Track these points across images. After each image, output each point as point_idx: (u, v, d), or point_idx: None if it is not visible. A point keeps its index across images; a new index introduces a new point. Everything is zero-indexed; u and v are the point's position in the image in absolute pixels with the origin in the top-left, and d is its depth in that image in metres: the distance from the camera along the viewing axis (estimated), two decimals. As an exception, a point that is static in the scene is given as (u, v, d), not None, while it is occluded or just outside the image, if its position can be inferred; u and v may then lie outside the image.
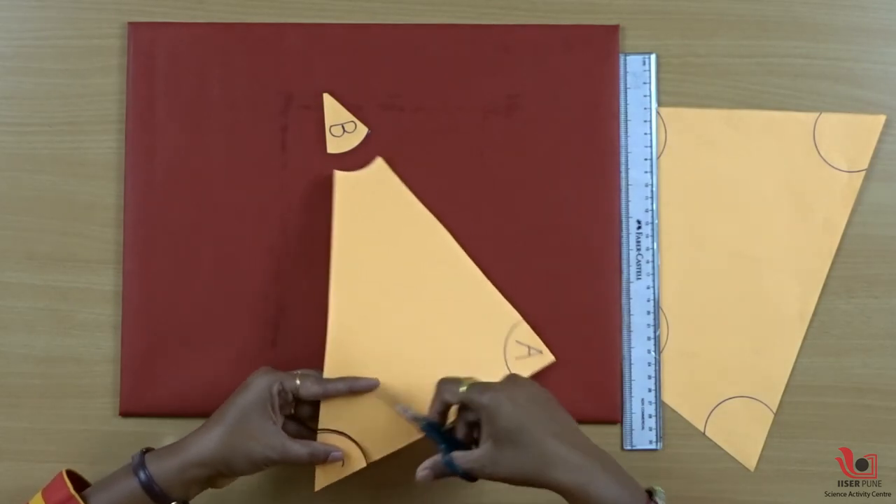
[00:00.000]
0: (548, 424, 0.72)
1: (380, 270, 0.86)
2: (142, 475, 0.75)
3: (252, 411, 0.77)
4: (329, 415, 0.81)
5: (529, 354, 0.86)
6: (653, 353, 0.89)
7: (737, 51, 0.91)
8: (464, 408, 0.75)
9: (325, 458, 0.79)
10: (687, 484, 0.88)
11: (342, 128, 0.89)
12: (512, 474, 0.72)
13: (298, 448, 0.78)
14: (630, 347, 0.89)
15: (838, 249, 0.89)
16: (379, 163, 0.87)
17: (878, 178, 0.90)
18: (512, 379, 0.75)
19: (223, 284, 0.88)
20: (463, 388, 0.74)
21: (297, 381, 0.79)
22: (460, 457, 0.73)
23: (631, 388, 0.88)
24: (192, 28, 0.90)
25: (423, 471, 0.75)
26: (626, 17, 0.91)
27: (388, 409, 0.82)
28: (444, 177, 0.88)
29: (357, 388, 0.81)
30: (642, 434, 0.88)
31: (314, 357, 0.86)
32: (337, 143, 0.89)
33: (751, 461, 0.88)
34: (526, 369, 0.85)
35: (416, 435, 0.80)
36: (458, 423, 0.76)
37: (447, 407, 0.76)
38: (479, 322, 0.86)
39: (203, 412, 0.87)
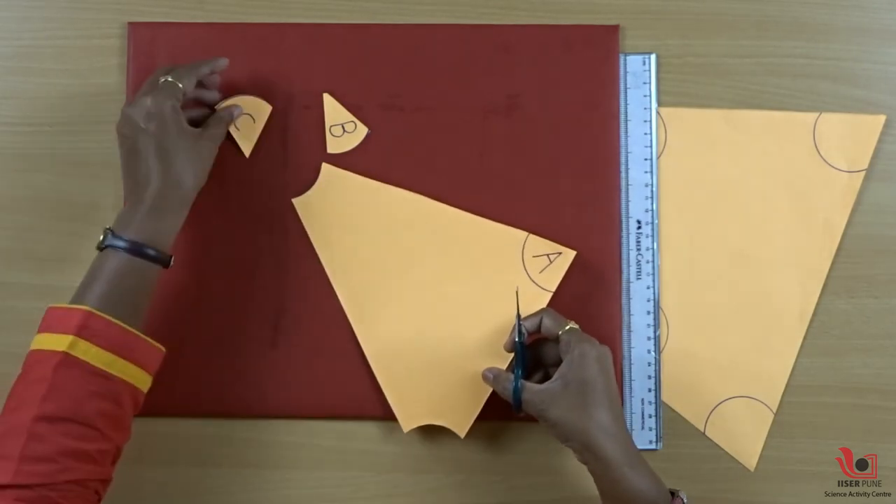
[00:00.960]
0: (612, 397, 0.77)
1: (376, 262, 0.86)
2: (120, 243, 0.75)
3: (183, 132, 0.80)
4: (408, 417, 0.85)
5: (551, 261, 0.86)
6: (653, 353, 0.89)
7: (737, 51, 0.91)
8: (543, 343, 0.81)
9: (231, 114, 0.85)
10: (687, 484, 0.88)
11: (342, 128, 0.89)
12: (562, 420, 0.75)
13: (216, 131, 0.84)
14: (630, 347, 0.89)
15: (838, 249, 0.89)
16: (325, 169, 0.88)
17: (878, 178, 0.90)
18: (591, 339, 0.79)
19: (223, 284, 0.88)
20: (567, 328, 0.79)
21: (178, 84, 0.81)
22: (529, 386, 0.77)
23: (631, 388, 0.88)
24: (192, 28, 0.90)
25: (488, 372, 0.81)
26: (626, 17, 0.91)
27: (449, 382, 0.84)
28: (444, 177, 0.88)
29: (216, 67, 0.85)
30: (642, 434, 0.88)
31: (314, 357, 0.86)
32: (337, 143, 0.89)
33: (751, 461, 0.88)
34: (555, 275, 0.86)
35: (487, 392, 0.83)
36: (531, 355, 0.81)
37: (537, 329, 0.80)
38: (489, 256, 0.87)
39: (203, 412, 0.87)
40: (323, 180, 0.88)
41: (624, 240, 0.89)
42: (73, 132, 0.90)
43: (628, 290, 0.89)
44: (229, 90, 0.88)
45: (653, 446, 0.88)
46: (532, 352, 0.82)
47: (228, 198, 0.88)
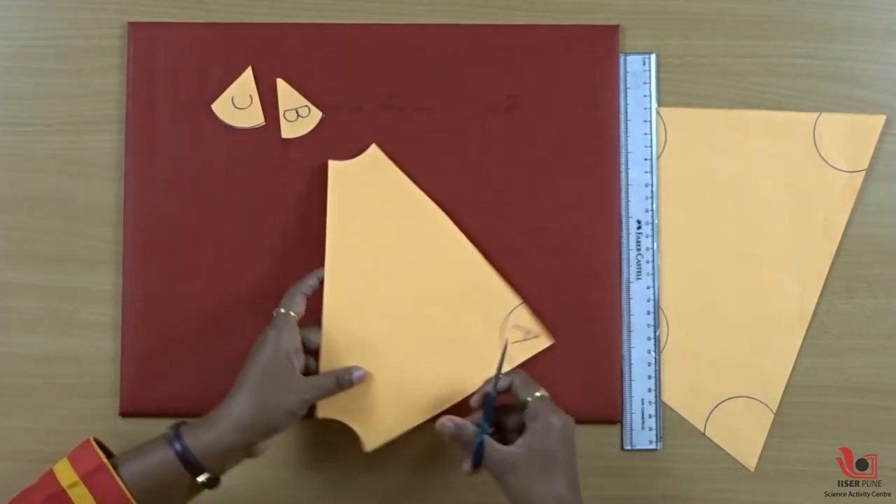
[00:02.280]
0: (571, 469, 0.76)
1: (376, 256, 0.86)
2: (177, 445, 0.75)
3: (276, 365, 0.77)
4: (327, 403, 0.82)
5: (526, 338, 0.86)
6: (653, 353, 0.89)
7: (737, 51, 0.91)
8: (507, 410, 0.79)
9: (350, 381, 0.81)
10: (687, 484, 0.88)
11: (296, 112, 0.89)
12: (519, 488, 0.75)
13: (324, 380, 0.80)
14: (630, 347, 0.89)
15: (838, 249, 0.90)
16: (373, 150, 0.88)
17: (878, 178, 0.90)
18: (558, 409, 0.77)
19: (223, 284, 0.88)
20: (538, 394, 0.77)
21: (291, 313, 0.80)
22: (492, 445, 0.76)
23: (631, 388, 0.88)
24: (192, 28, 0.90)
25: (449, 422, 0.78)
26: (626, 17, 0.91)
27: (386, 396, 0.83)
28: (444, 177, 0.88)
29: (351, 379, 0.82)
30: (642, 434, 0.88)
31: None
32: (291, 128, 0.89)
33: (751, 461, 0.88)
34: (524, 353, 0.86)
35: (415, 422, 0.82)
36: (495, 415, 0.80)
37: (506, 390, 0.79)
38: (476, 305, 0.86)
39: (203, 412, 0.87)
40: (367, 158, 0.87)
41: (624, 240, 0.89)
42: (73, 132, 0.90)
43: (628, 290, 0.89)
44: (227, 88, 0.89)
45: (653, 446, 0.88)
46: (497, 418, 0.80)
47: (228, 197, 0.88)
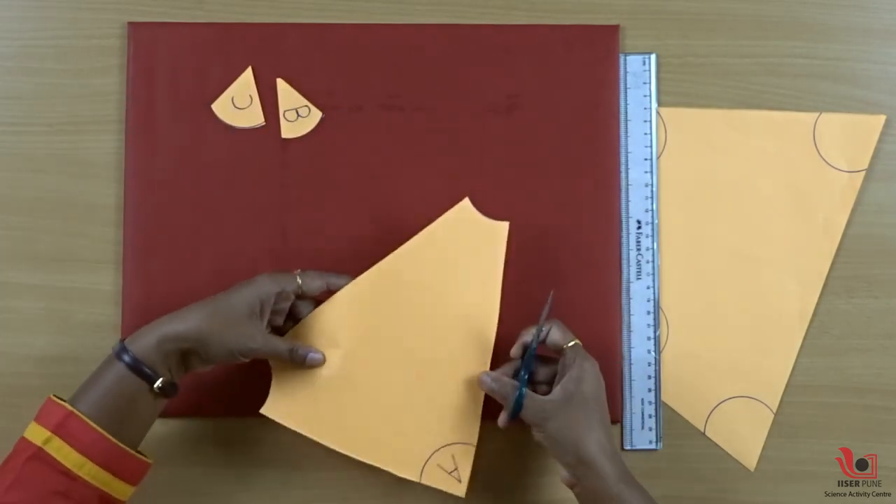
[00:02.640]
0: (606, 416, 0.78)
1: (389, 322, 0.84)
2: (126, 357, 0.74)
3: (241, 305, 0.77)
4: (406, 461, 0.82)
5: (450, 473, 0.83)
6: (653, 353, 0.89)
7: (737, 51, 0.91)
8: (550, 361, 0.81)
9: (303, 359, 0.80)
10: (687, 484, 0.88)
11: (296, 112, 0.89)
12: (561, 433, 0.76)
13: (279, 343, 0.79)
14: (630, 347, 0.89)
15: (838, 249, 0.90)
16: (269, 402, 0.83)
17: (878, 178, 0.90)
18: (592, 359, 0.79)
19: (223, 285, 0.87)
20: (570, 343, 0.79)
21: (299, 280, 0.80)
22: (531, 395, 0.77)
23: (631, 388, 0.88)
24: (192, 28, 0.90)
25: (487, 377, 0.79)
26: (626, 17, 0.91)
27: (443, 398, 0.82)
28: (444, 177, 0.88)
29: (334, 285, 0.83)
30: (642, 434, 0.88)
31: (314, 357, 0.86)
32: (291, 128, 0.89)
33: (751, 461, 0.88)
34: (437, 481, 0.82)
35: (482, 393, 0.81)
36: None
37: (542, 340, 0.80)
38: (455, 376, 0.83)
39: (203, 412, 0.87)
40: (276, 373, 0.82)
41: (624, 240, 0.89)
42: (73, 132, 0.90)
43: (628, 290, 0.89)
44: (227, 88, 0.89)
45: (653, 446, 0.88)
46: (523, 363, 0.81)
47: (228, 197, 0.88)
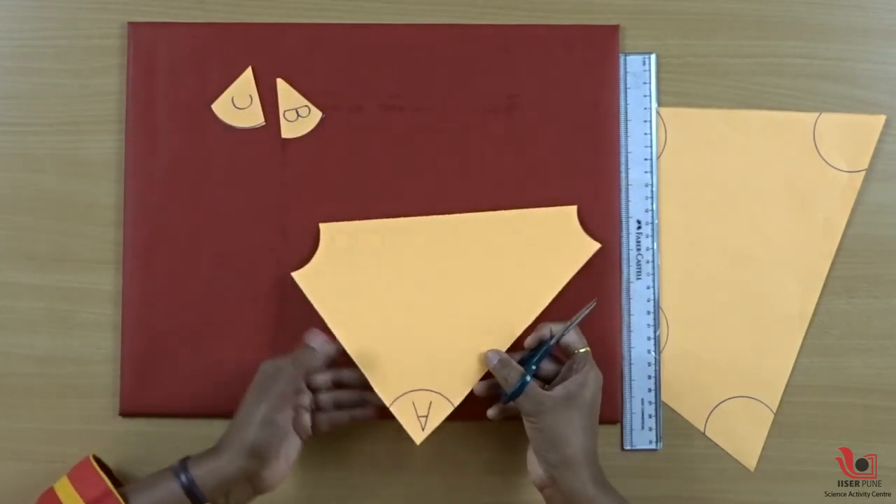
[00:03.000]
0: (596, 426, 0.79)
1: (389, 304, 0.85)
2: (183, 478, 0.75)
3: (266, 386, 0.78)
4: (388, 383, 0.83)
5: (419, 417, 0.83)
6: (653, 353, 0.89)
7: (737, 51, 0.91)
8: (556, 359, 0.82)
9: (347, 419, 0.82)
10: (687, 484, 0.88)
11: (296, 112, 0.89)
12: (553, 429, 0.77)
13: (303, 426, 0.79)
14: (630, 347, 0.89)
15: (838, 249, 0.90)
16: (325, 229, 0.87)
17: (878, 178, 0.90)
18: (595, 366, 0.80)
19: (223, 284, 0.88)
20: (583, 350, 0.81)
21: (317, 351, 0.81)
22: (533, 385, 0.79)
23: (631, 388, 0.88)
24: (192, 28, 0.90)
25: (493, 355, 0.81)
26: (626, 17, 0.91)
27: (448, 356, 0.84)
28: (444, 177, 0.88)
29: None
30: (642, 434, 0.88)
31: (314, 357, 0.86)
32: (291, 128, 0.89)
33: (751, 461, 0.88)
34: (404, 417, 0.83)
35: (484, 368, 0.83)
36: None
37: (558, 336, 0.81)
38: (499, 250, 0.87)
39: (203, 412, 0.87)
40: (324, 244, 0.87)
41: (624, 240, 0.89)
42: (73, 132, 0.90)
43: (628, 290, 0.89)
44: (227, 88, 0.89)
45: (653, 446, 0.88)
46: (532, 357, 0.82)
47: (228, 197, 0.88)
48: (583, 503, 0.76)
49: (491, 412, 0.82)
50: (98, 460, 0.79)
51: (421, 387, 0.83)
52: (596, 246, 0.87)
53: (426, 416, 0.83)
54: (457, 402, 0.83)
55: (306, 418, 0.78)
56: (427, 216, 0.88)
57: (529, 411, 0.78)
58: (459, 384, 0.83)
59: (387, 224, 0.87)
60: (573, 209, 0.87)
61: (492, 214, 0.88)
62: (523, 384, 0.78)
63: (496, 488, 0.88)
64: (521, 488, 0.88)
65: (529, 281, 0.86)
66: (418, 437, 0.82)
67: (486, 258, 0.86)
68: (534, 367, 0.80)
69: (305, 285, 0.85)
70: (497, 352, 0.81)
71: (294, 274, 0.85)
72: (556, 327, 0.81)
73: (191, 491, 0.75)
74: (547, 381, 0.81)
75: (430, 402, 0.83)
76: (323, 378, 0.80)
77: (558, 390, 0.78)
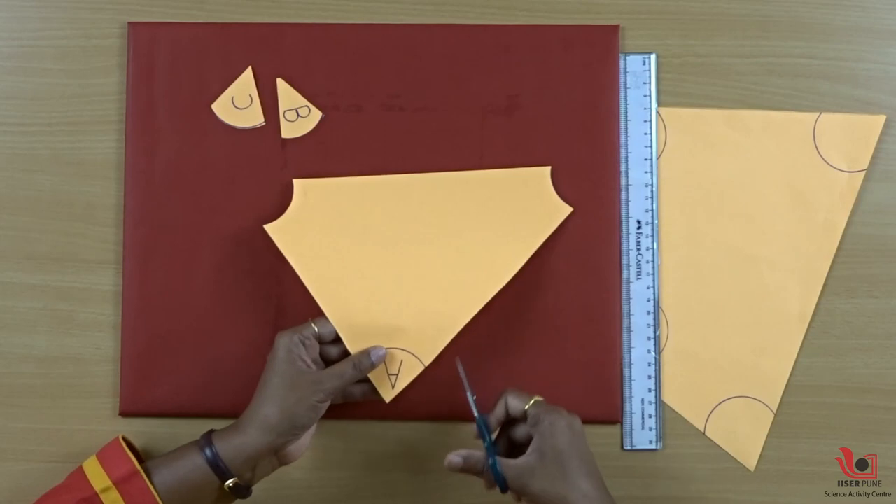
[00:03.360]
0: (589, 463, 0.75)
1: (364, 262, 0.86)
2: (208, 451, 0.76)
3: (286, 367, 0.78)
4: (359, 340, 0.83)
5: (389, 375, 0.84)
6: (653, 353, 0.89)
7: (737, 51, 0.91)
8: (512, 424, 0.78)
9: (369, 362, 0.81)
10: (687, 484, 0.88)
11: (296, 112, 0.89)
12: (545, 492, 0.74)
13: (343, 367, 0.80)
14: (630, 347, 0.89)
15: (838, 249, 0.89)
16: (298, 184, 0.87)
17: (878, 178, 0.90)
18: (559, 408, 0.77)
19: (223, 284, 0.88)
20: (529, 404, 0.77)
21: (314, 326, 0.81)
22: (504, 461, 0.75)
23: (631, 388, 0.88)
24: (192, 28, 0.90)
25: (455, 457, 0.77)
26: (626, 17, 0.91)
27: (420, 315, 0.84)
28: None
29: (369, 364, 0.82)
30: (642, 434, 0.88)
31: (314, 357, 0.86)
32: (291, 128, 0.89)
33: (751, 461, 0.88)
34: (375, 375, 0.83)
35: (461, 324, 0.83)
36: (500, 437, 0.79)
37: (504, 415, 0.78)
38: (479, 206, 0.87)
39: (203, 412, 0.87)
40: (297, 199, 0.87)
41: (624, 240, 0.89)
42: (73, 132, 0.90)
43: (628, 290, 0.89)
44: (227, 88, 0.89)
45: (653, 446, 0.88)
46: (504, 436, 0.79)
47: (228, 197, 0.88)
48: None
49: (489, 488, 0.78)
50: (127, 441, 0.80)
51: (392, 345, 0.83)
52: (568, 210, 0.87)
53: (396, 375, 0.83)
54: (427, 361, 0.83)
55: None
56: (401, 174, 0.87)
57: (514, 487, 0.75)
58: (430, 344, 0.83)
59: (361, 181, 0.87)
60: (546, 170, 0.87)
61: (465, 174, 0.88)
62: (496, 469, 0.75)
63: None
64: None
65: (502, 243, 0.86)
66: (388, 395, 0.83)
67: (459, 218, 0.86)
68: (490, 446, 0.76)
69: (278, 238, 0.85)
70: (456, 452, 0.77)
71: (266, 226, 0.85)
72: (491, 416, 0.78)
73: (216, 465, 0.75)
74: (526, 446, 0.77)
75: (402, 361, 0.83)
76: (336, 349, 0.82)
77: (529, 453, 0.75)
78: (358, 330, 0.83)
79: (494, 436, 0.78)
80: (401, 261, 0.85)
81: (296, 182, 0.87)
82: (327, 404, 0.79)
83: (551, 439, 0.75)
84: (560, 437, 0.75)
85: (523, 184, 0.87)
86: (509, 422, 0.79)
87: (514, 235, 0.86)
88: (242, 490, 0.77)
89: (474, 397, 0.78)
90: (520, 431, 0.78)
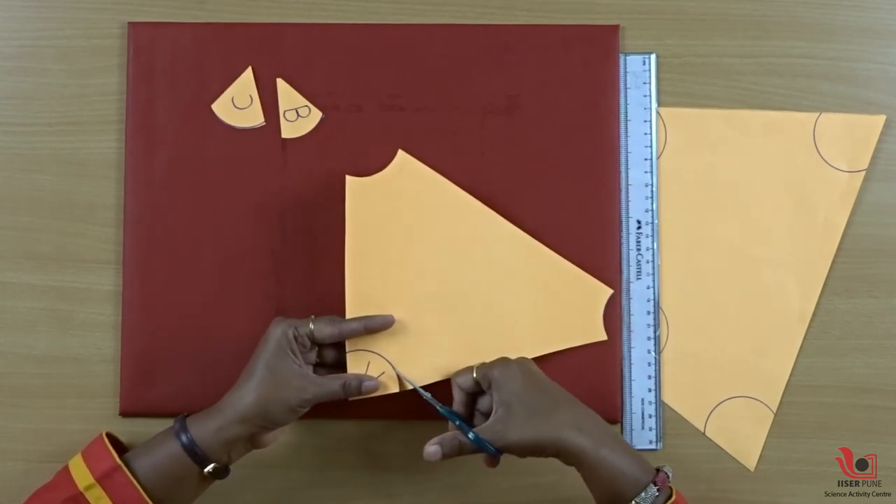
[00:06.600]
0: (555, 392, 0.77)
1: (410, 258, 0.86)
2: (183, 437, 0.76)
3: (276, 360, 0.78)
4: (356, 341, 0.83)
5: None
6: (653, 353, 0.89)
7: (737, 51, 0.91)
8: (475, 396, 0.80)
9: (357, 389, 0.81)
10: (687, 484, 0.88)
11: (296, 112, 0.89)
12: (524, 437, 0.75)
13: (329, 382, 0.80)
14: (630, 347, 0.89)
15: (838, 249, 0.90)
16: (401, 155, 0.87)
17: (878, 178, 0.90)
18: (504, 358, 0.79)
19: (223, 284, 0.88)
20: (475, 372, 0.79)
21: (311, 325, 0.80)
22: (480, 428, 0.76)
23: (631, 388, 0.88)
24: (192, 28, 0.90)
25: (431, 447, 0.77)
26: (626, 17, 0.91)
27: (419, 338, 0.84)
28: (443, 176, 0.88)
29: (373, 327, 0.82)
30: (642, 434, 0.88)
31: (314, 357, 0.86)
32: (291, 128, 0.89)
33: (751, 461, 0.89)
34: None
35: (451, 371, 0.82)
36: (476, 418, 0.80)
37: (463, 396, 0.80)
38: (521, 275, 0.87)
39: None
40: (391, 170, 0.87)
41: (624, 240, 0.89)
42: (73, 132, 0.90)
43: (628, 290, 0.89)
44: (227, 88, 0.89)
45: (653, 446, 0.88)
46: (479, 415, 0.80)
47: (228, 197, 0.88)
48: (597, 471, 0.74)
49: (487, 465, 0.78)
50: (112, 437, 0.80)
51: (383, 354, 0.83)
52: (602, 337, 0.87)
53: (384, 373, 0.83)
54: (405, 387, 0.83)
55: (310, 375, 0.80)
56: (489, 208, 0.87)
57: (499, 447, 0.76)
58: (418, 373, 0.83)
59: (453, 188, 0.87)
60: (608, 292, 0.87)
61: (538, 246, 0.87)
62: (478, 439, 0.76)
63: (497, 489, 0.88)
64: (523, 489, 0.88)
65: (527, 327, 0.86)
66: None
67: (512, 283, 0.86)
68: (458, 421, 0.77)
69: (352, 193, 0.84)
70: (430, 442, 0.77)
71: (348, 178, 0.85)
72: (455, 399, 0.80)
73: (192, 451, 0.76)
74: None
75: (383, 373, 0.83)
76: (329, 331, 0.80)
77: (496, 410, 0.76)
78: (364, 311, 0.83)
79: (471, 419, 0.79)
80: (438, 280, 0.85)
81: (400, 153, 0.87)
82: (307, 409, 0.79)
83: (507, 386, 0.76)
84: (514, 382, 0.76)
85: (581, 294, 0.87)
86: (474, 399, 0.80)
87: (538, 327, 0.86)
88: (221, 472, 0.78)
89: (428, 394, 0.80)
90: (485, 401, 0.79)
